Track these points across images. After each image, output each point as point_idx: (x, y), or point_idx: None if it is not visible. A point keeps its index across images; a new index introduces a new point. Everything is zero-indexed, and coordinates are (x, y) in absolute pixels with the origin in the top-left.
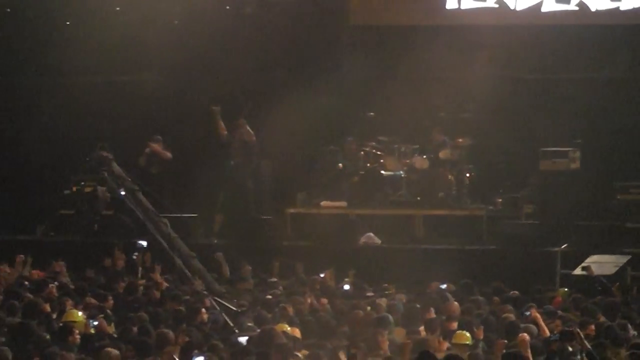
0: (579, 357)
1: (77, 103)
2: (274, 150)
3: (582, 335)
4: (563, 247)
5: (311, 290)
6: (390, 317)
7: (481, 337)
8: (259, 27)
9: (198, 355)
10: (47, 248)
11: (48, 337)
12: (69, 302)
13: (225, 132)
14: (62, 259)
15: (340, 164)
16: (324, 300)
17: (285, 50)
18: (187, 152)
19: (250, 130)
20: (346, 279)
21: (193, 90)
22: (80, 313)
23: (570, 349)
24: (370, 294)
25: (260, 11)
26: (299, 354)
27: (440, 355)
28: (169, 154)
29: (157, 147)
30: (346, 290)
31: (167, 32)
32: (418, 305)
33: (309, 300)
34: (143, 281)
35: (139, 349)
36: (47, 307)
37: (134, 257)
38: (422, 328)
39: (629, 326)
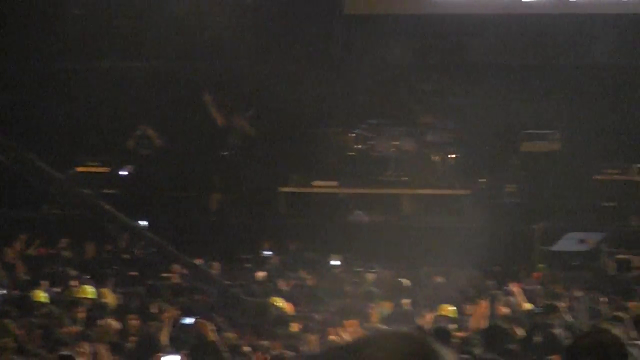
0: (560, 329)
1: (73, 88)
2: (269, 132)
3: (563, 309)
4: (542, 224)
5: (302, 266)
6: (376, 291)
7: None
8: (258, 15)
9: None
10: (51, 225)
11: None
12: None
13: (221, 117)
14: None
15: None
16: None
17: (282, 37)
18: (184, 136)
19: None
20: (334, 255)
21: (190, 76)
22: (91, 289)
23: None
24: (358, 269)
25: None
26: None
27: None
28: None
29: (149, 130)
30: (335, 266)
31: (166, 19)
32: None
33: (301, 275)
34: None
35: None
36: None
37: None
38: (406, 301)
39: (602, 299)
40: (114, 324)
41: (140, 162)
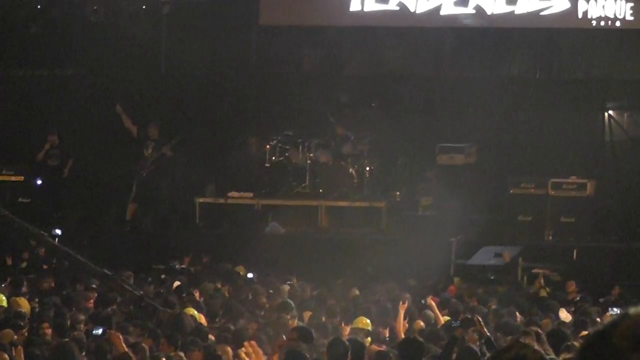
0: (477, 343)
1: None
2: (185, 143)
3: (482, 322)
4: (458, 238)
5: (217, 277)
6: (291, 302)
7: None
8: (175, 27)
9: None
10: None
11: None
12: None
13: (135, 128)
14: None
15: None
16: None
17: (198, 46)
18: (99, 146)
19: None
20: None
21: (104, 86)
22: (3, 297)
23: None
24: (274, 280)
25: (176, 11)
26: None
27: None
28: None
29: (54, 139)
30: (250, 278)
31: (90, 29)
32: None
33: (216, 286)
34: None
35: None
36: None
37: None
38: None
39: (517, 313)
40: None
41: (52, 172)
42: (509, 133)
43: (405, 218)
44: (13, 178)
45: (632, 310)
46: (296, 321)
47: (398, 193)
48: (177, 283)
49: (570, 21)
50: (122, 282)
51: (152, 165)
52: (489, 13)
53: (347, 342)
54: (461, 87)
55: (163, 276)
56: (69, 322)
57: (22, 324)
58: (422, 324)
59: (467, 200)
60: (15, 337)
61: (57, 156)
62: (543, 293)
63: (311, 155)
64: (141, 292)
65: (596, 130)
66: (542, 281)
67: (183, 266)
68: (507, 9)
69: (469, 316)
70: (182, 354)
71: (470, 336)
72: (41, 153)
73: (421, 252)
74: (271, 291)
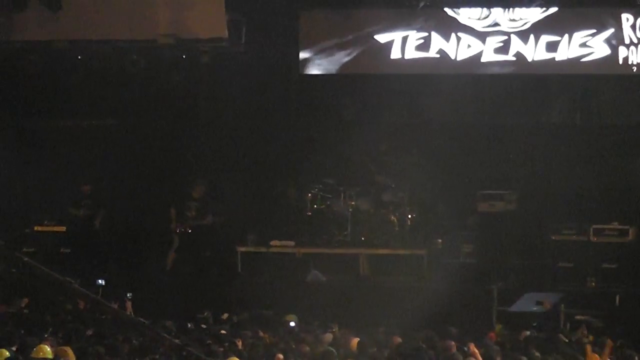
0: None
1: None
2: (226, 193)
3: None
4: (500, 285)
5: (259, 326)
6: (334, 350)
7: None
8: (214, 76)
9: None
10: (9, 284)
11: None
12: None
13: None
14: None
15: None
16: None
17: (238, 98)
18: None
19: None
20: (290, 316)
21: (153, 136)
22: (48, 348)
23: None
24: (316, 328)
25: (216, 60)
26: None
27: None
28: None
29: (87, 189)
30: (292, 327)
31: (129, 79)
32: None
33: (258, 335)
34: None
35: None
36: None
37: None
38: None
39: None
40: None
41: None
42: (549, 179)
43: (447, 265)
44: (55, 228)
45: None
46: None
47: (439, 240)
48: (222, 331)
49: (610, 67)
50: (161, 331)
51: (194, 226)
52: (529, 60)
53: None
54: (501, 134)
55: (205, 325)
56: None
57: None
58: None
59: (508, 247)
60: None
61: (89, 206)
62: (586, 341)
63: (352, 203)
64: (180, 342)
65: (637, 176)
66: (585, 331)
67: (225, 315)
68: (548, 55)
69: None
70: None
71: None
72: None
73: (462, 300)
74: (313, 340)
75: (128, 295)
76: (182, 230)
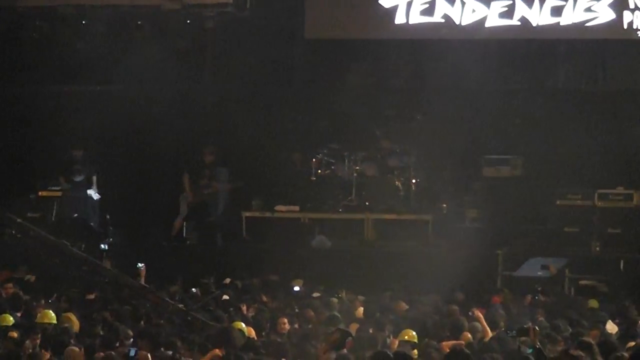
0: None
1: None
2: (231, 158)
3: (537, 332)
4: (505, 249)
5: (264, 291)
6: (339, 315)
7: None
8: (219, 41)
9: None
10: (13, 250)
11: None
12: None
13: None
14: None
15: None
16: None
17: (241, 61)
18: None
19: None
20: (297, 281)
21: (157, 102)
22: (52, 313)
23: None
24: (317, 294)
25: (220, 25)
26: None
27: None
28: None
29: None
30: (297, 291)
31: (134, 44)
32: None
33: (264, 299)
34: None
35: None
36: None
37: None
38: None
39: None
40: (76, 351)
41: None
42: (554, 145)
43: (452, 230)
44: (59, 194)
45: None
46: None
47: (445, 205)
48: (225, 297)
49: (615, 32)
50: (166, 297)
51: (207, 195)
52: (534, 25)
53: (391, 355)
54: (506, 99)
55: (211, 290)
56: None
57: (71, 340)
58: (469, 336)
59: (513, 212)
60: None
61: (81, 171)
62: (593, 304)
63: (357, 168)
64: (184, 306)
65: None
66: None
67: (228, 280)
68: (553, 20)
69: (525, 326)
70: None
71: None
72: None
73: (467, 265)
74: (319, 305)
75: (140, 265)
76: (197, 200)
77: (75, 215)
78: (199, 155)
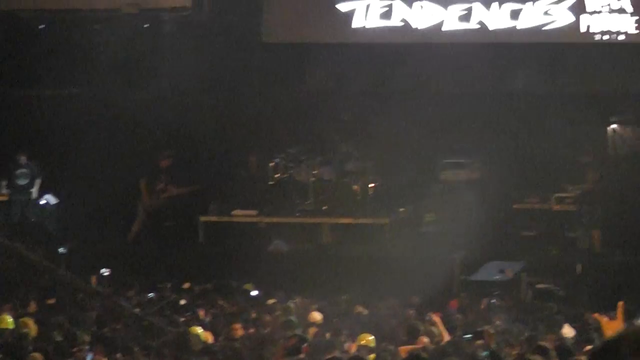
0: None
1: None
2: (188, 162)
3: (492, 335)
4: (462, 253)
5: (221, 295)
6: (296, 320)
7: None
8: (177, 45)
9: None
10: None
11: None
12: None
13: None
14: None
15: None
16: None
17: (200, 66)
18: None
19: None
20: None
21: (114, 105)
22: (10, 318)
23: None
24: (272, 300)
25: (178, 29)
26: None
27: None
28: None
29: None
30: (254, 296)
31: (92, 48)
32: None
33: (221, 304)
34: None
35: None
36: None
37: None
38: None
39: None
40: (38, 357)
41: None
42: (512, 148)
43: (409, 234)
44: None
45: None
46: None
47: (402, 209)
48: (182, 302)
49: (573, 35)
50: (122, 302)
51: (163, 199)
52: (491, 28)
53: None
54: (464, 103)
55: (167, 295)
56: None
57: (29, 346)
58: (426, 340)
59: (470, 216)
60: None
61: (25, 175)
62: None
63: (315, 172)
64: (140, 311)
65: (600, 145)
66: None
67: (187, 285)
68: (510, 24)
69: (480, 329)
70: None
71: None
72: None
73: (424, 269)
74: (276, 309)
75: (103, 271)
76: (154, 205)
77: (33, 220)
78: (155, 159)
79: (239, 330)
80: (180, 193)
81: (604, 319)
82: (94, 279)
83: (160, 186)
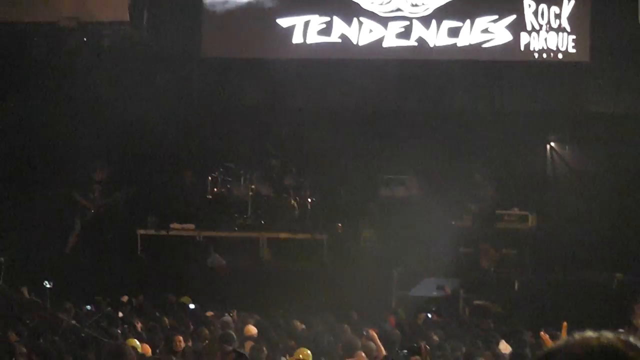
0: None
1: None
2: (126, 175)
3: (428, 350)
4: (399, 269)
5: (158, 308)
6: (233, 334)
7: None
8: (116, 59)
9: None
10: None
11: None
12: None
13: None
14: None
15: None
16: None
17: (139, 81)
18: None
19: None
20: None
21: (51, 119)
22: None
23: None
24: (210, 313)
25: (117, 44)
26: None
27: None
28: None
29: None
30: (192, 309)
31: (31, 62)
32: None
33: (158, 317)
34: None
35: None
36: None
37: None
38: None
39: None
40: None
41: None
42: (451, 165)
43: (347, 251)
44: None
45: (570, 339)
46: None
47: (340, 225)
48: (119, 314)
49: (512, 54)
50: (60, 313)
51: (100, 208)
52: (430, 46)
53: None
54: (404, 120)
55: (104, 307)
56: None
57: None
58: (363, 355)
59: (408, 232)
60: None
61: None
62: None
63: (253, 187)
64: (77, 323)
65: (538, 163)
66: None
67: (125, 297)
68: (449, 41)
69: (416, 345)
70: None
71: None
72: None
73: (362, 284)
74: (213, 323)
75: (47, 283)
76: (87, 211)
77: None
78: (91, 172)
79: (181, 342)
80: (115, 202)
81: (546, 337)
82: (25, 291)
83: (94, 196)
